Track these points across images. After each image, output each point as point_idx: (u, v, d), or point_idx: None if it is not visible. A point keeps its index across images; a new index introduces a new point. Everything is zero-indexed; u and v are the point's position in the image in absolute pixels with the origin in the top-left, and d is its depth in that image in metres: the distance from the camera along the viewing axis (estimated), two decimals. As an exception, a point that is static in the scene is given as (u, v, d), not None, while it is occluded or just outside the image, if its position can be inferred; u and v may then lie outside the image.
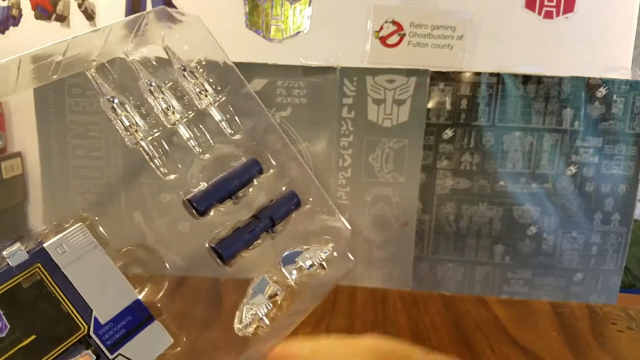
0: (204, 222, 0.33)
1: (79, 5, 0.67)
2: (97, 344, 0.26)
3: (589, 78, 0.65)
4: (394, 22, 0.66)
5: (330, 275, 0.34)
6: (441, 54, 0.67)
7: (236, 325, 0.32)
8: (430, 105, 0.66)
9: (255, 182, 0.35)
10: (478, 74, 0.65)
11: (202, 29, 0.38)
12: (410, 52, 0.67)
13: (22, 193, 0.71)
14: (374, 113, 0.66)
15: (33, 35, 0.68)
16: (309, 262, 0.34)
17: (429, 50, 0.67)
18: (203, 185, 0.34)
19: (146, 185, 0.69)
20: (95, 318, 0.26)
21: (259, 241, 0.34)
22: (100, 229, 0.29)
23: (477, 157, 0.68)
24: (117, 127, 0.32)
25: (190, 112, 0.34)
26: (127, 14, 0.67)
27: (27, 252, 0.25)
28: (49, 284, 0.25)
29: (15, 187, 0.70)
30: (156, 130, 0.33)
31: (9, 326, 0.24)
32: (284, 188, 0.36)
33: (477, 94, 0.66)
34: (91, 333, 0.26)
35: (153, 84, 0.33)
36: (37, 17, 0.68)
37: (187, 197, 0.33)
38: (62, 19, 0.68)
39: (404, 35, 0.66)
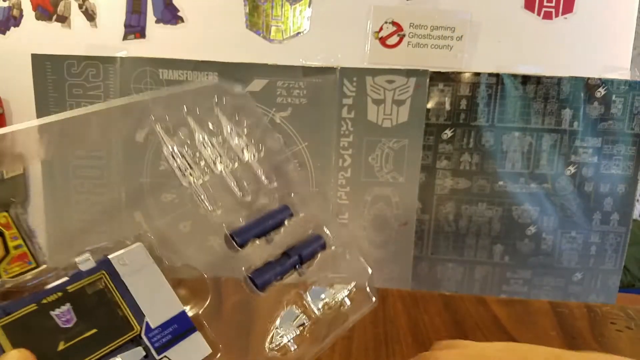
0: (241, 255, 0.39)
1: (80, 6, 0.68)
2: (147, 345, 0.30)
3: (588, 78, 0.65)
4: (393, 23, 0.66)
5: (352, 312, 0.39)
6: (441, 54, 0.67)
7: (267, 345, 0.36)
8: (429, 105, 0.66)
9: (286, 224, 0.40)
10: (477, 74, 0.65)
11: (250, 100, 0.48)
12: (410, 52, 0.67)
13: (22, 193, 0.71)
14: (374, 113, 0.67)
15: (34, 35, 0.68)
16: (333, 299, 0.38)
17: (429, 51, 0.67)
18: (242, 223, 0.39)
19: (146, 184, 0.69)
20: (146, 322, 0.31)
21: (287, 274, 0.39)
22: (156, 249, 0.35)
23: (476, 157, 0.68)
24: (174, 169, 0.40)
25: (235, 163, 0.42)
26: (128, 14, 0.67)
27: (95, 261, 0.31)
28: (110, 288, 0.31)
29: (16, 186, 0.70)
30: (206, 175, 0.41)
31: (76, 319, 0.29)
32: (310, 231, 0.41)
33: (477, 94, 0.66)
34: (142, 335, 0.30)
35: (205, 139, 0.41)
36: (37, 18, 0.68)
37: (230, 232, 0.38)
38: (63, 19, 0.68)
39: (404, 35, 0.67)
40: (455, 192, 0.69)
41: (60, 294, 0.29)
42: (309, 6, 0.66)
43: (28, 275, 0.30)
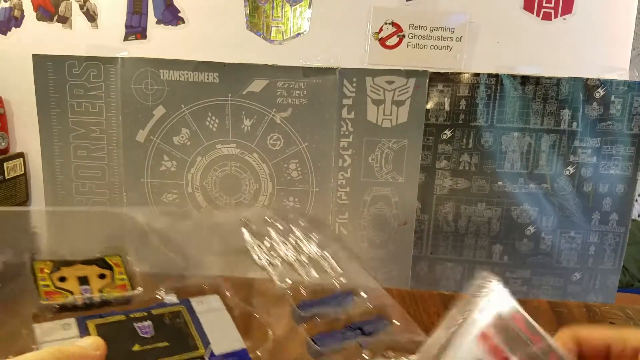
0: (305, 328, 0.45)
1: (81, 7, 0.68)
2: None
3: (587, 79, 0.65)
4: (393, 24, 0.67)
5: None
6: (440, 55, 0.67)
7: None
8: (429, 106, 0.67)
9: (350, 305, 0.46)
10: (477, 74, 0.66)
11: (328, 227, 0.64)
12: (410, 53, 0.67)
13: (24, 193, 0.72)
14: (374, 114, 0.67)
15: (35, 36, 0.69)
16: None
17: (428, 52, 0.67)
18: (308, 299, 0.47)
19: (147, 185, 0.70)
20: (211, 349, 0.37)
21: (348, 341, 0.43)
22: (227, 294, 0.45)
23: (475, 158, 0.68)
24: (252, 254, 0.51)
25: (302, 256, 0.52)
26: (128, 15, 0.68)
27: (178, 299, 0.41)
28: (186, 319, 0.39)
29: (17, 187, 0.70)
30: (275, 259, 0.51)
31: (154, 332, 0.36)
32: (372, 307, 0.47)
33: (476, 94, 0.66)
34: (206, 357, 0.36)
35: (280, 239, 0.53)
36: (39, 19, 0.69)
37: (296, 304, 0.45)
38: (64, 20, 0.68)
39: (404, 36, 0.67)
40: (454, 192, 0.69)
41: (145, 313, 0.38)
42: (309, 7, 0.67)
43: (124, 298, 0.41)
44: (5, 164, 0.67)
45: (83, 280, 0.41)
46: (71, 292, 0.40)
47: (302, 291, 0.47)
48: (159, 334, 0.36)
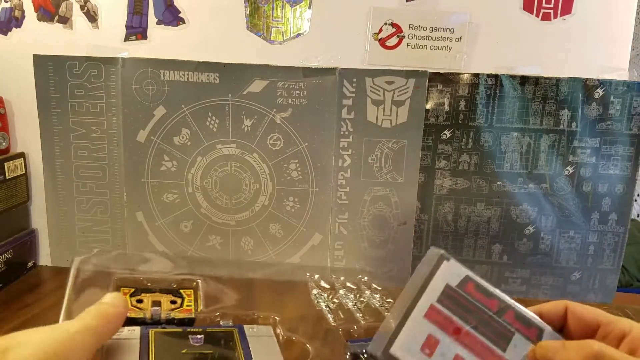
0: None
1: (81, 7, 0.68)
2: None
3: (587, 79, 0.65)
4: (393, 24, 0.67)
5: None
6: (440, 55, 0.67)
7: None
8: (428, 106, 0.67)
9: None
10: (476, 75, 0.66)
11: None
12: (409, 53, 0.67)
13: (24, 193, 0.72)
14: (373, 114, 0.67)
15: (36, 36, 0.69)
16: None
17: (428, 52, 0.67)
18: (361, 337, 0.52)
19: (148, 185, 0.70)
20: None
21: None
22: (279, 328, 0.50)
23: (475, 158, 0.68)
24: (311, 295, 0.62)
25: (356, 298, 0.62)
26: (129, 15, 0.68)
27: (232, 324, 0.46)
28: (235, 339, 0.43)
29: (18, 187, 0.70)
30: (334, 304, 0.60)
31: (203, 343, 0.41)
32: None
33: (475, 95, 0.66)
34: None
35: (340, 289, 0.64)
36: (39, 19, 0.69)
37: (348, 340, 0.49)
38: (65, 20, 0.69)
39: (403, 37, 0.67)
40: (454, 192, 0.70)
41: (200, 329, 0.43)
42: (309, 8, 0.67)
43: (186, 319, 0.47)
44: (5, 164, 0.67)
45: (156, 304, 0.49)
46: (143, 310, 0.47)
47: (355, 328, 0.52)
48: (207, 345, 0.41)
